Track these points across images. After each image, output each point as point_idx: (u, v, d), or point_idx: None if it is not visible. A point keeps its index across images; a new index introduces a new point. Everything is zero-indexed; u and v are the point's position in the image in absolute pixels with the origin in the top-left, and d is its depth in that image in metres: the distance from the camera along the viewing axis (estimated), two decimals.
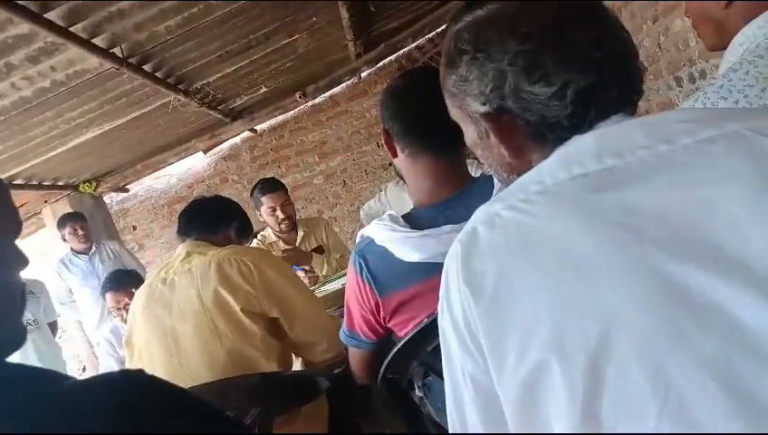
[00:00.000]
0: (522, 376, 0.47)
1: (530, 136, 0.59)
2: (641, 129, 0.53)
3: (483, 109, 0.60)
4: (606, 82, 0.55)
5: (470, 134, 0.65)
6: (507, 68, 0.56)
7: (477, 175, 1.18)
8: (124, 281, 2.97)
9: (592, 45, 0.54)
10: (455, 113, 0.66)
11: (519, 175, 0.58)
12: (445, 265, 0.57)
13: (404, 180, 1.22)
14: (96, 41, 2.39)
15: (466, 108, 0.62)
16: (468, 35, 0.59)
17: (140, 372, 0.54)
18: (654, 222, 0.47)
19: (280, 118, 5.32)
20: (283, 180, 3.01)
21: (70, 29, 2.20)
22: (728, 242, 0.44)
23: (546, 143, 0.58)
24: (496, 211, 0.53)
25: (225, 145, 5.51)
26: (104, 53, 2.48)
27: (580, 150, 0.53)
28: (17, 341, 0.59)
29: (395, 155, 1.15)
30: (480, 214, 0.55)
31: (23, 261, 0.61)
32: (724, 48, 1.06)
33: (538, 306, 0.47)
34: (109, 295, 2.90)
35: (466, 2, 0.61)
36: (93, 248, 4.09)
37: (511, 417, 0.48)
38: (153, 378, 0.54)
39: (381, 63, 5.05)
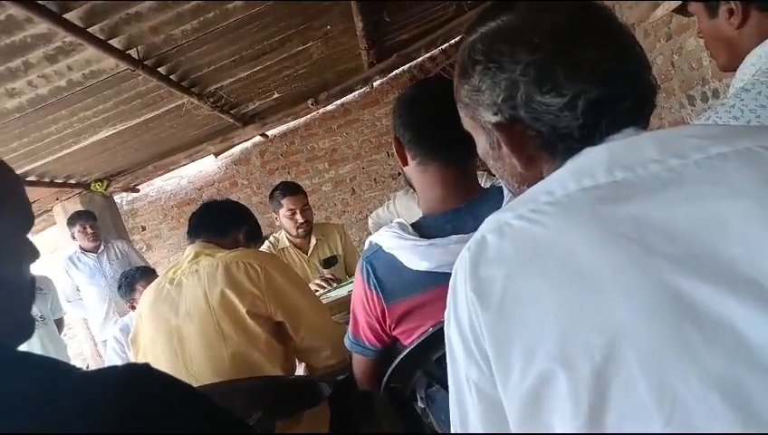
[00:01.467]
0: (527, 385, 0.47)
1: (541, 147, 0.59)
2: (653, 143, 0.53)
3: (494, 119, 0.60)
4: (617, 94, 0.55)
5: (482, 144, 0.65)
6: (519, 78, 0.56)
7: (487, 186, 1.19)
8: (153, 272, 3.17)
9: (604, 57, 0.55)
10: (467, 123, 0.66)
11: (529, 186, 0.58)
12: (453, 272, 0.58)
13: (413, 189, 1.23)
14: (113, 42, 2.43)
15: (479, 118, 0.62)
16: (482, 46, 0.59)
17: (146, 366, 0.54)
18: (664, 236, 0.47)
19: (291, 124, 5.35)
20: None
21: (88, 29, 2.23)
22: (739, 258, 0.44)
23: (557, 154, 0.58)
24: (506, 220, 0.54)
25: (236, 149, 5.54)
26: (121, 54, 2.51)
27: (591, 163, 0.54)
28: (26, 332, 0.60)
29: (405, 163, 1.16)
30: (489, 222, 0.56)
31: (34, 254, 0.62)
32: (736, 68, 1.06)
33: (545, 316, 0.47)
34: (142, 283, 2.95)
35: (480, 14, 0.61)
36: (102, 247, 4.12)
37: (515, 426, 0.48)
38: (159, 372, 0.55)
39: (394, 73, 5.08)
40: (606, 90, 0.55)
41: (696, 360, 0.42)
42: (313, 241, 2.86)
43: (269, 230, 3.16)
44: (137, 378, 0.53)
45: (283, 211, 2.74)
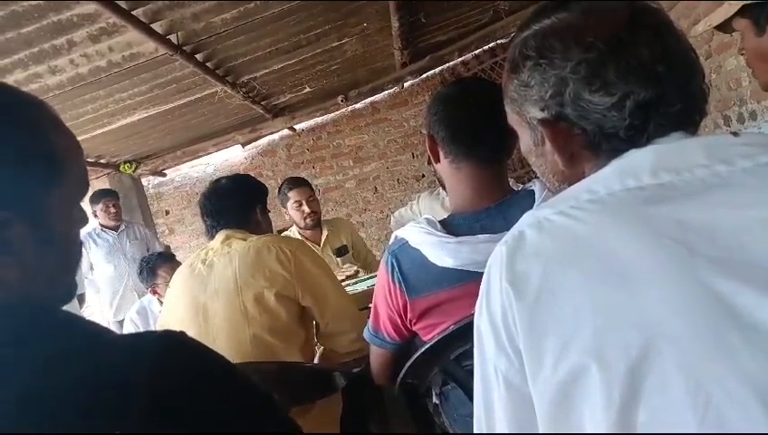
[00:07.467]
0: (559, 378, 0.47)
1: (585, 145, 0.59)
2: (701, 148, 0.53)
3: (540, 115, 0.60)
4: (667, 97, 0.55)
5: (526, 140, 0.65)
6: (569, 75, 0.56)
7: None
8: (173, 256, 3.25)
9: (656, 60, 0.55)
10: (512, 119, 0.67)
11: (570, 184, 0.58)
12: (487, 265, 0.58)
13: (443, 187, 1.23)
14: (155, 26, 2.47)
15: (524, 113, 0.63)
16: (534, 42, 0.59)
17: (182, 333, 0.56)
18: (706, 239, 0.47)
19: (319, 119, 5.38)
20: (315, 181, 3.09)
21: (132, 12, 2.27)
22: None
23: (601, 154, 0.58)
24: (545, 216, 0.54)
25: (264, 140, 5.59)
26: (161, 38, 2.55)
27: (636, 164, 0.54)
28: (69, 295, 0.62)
29: (437, 161, 1.16)
30: (528, 218, 0.56)
31: (84, 220, 0.64)
32: None
33: (581, 311, 0.48)
34: (164, 267, 2.99)
35: (535, 11, 0.62)
36: (123, 227, 4.14)
37: (544, 418, 0.49)
38: (194, 340, 0.56)
39: (425, 75, 5.08)
40: (656, 92, 0.55)
41: (733, 362, 0.42)
42: (325, 233, 2.96)
43: (285, 225, 3.21)
44: (173, 343, 0.54)
45: (290, 204, 2.85)
